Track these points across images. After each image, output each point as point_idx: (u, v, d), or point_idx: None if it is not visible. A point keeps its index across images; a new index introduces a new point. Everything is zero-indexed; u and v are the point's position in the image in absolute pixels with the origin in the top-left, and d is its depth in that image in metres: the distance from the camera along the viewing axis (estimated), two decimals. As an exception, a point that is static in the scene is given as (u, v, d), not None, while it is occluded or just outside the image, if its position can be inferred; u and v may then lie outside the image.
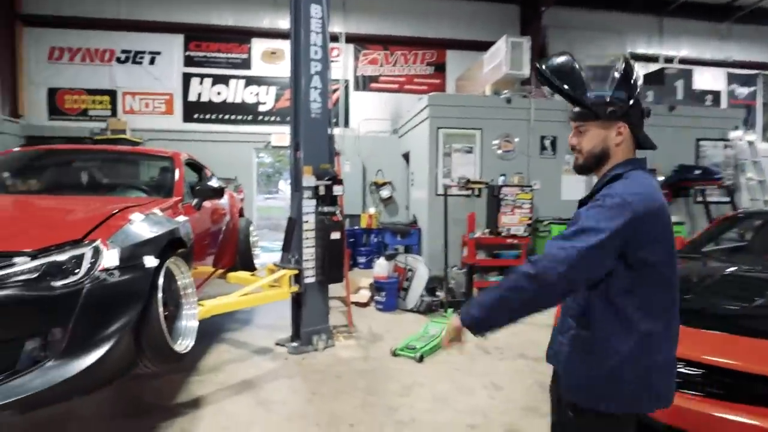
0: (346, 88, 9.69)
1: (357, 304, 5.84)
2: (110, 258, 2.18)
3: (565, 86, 1.39)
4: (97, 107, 9.18)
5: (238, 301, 3.75)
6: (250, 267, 5.33)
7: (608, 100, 1.36)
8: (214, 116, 9.46)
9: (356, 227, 9.06)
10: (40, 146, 4.13)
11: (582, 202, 1.41)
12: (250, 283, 4.66)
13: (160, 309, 2.39)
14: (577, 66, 1.40)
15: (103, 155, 3.92)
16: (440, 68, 9.88)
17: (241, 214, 5.63)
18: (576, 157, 1.46)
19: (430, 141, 6.87)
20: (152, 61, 9.29)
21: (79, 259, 2.10)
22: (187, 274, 2.90)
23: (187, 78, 9.37)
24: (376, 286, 5.82)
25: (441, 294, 5.97)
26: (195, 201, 3.64)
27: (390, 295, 5.76)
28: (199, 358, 4.00)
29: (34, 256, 2.01)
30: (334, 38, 9.42)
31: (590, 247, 1.22)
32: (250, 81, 9.52)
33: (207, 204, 4.04)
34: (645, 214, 1.25)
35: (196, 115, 9.43)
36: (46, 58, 9.07)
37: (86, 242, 2.16)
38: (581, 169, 1.47)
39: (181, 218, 3.18)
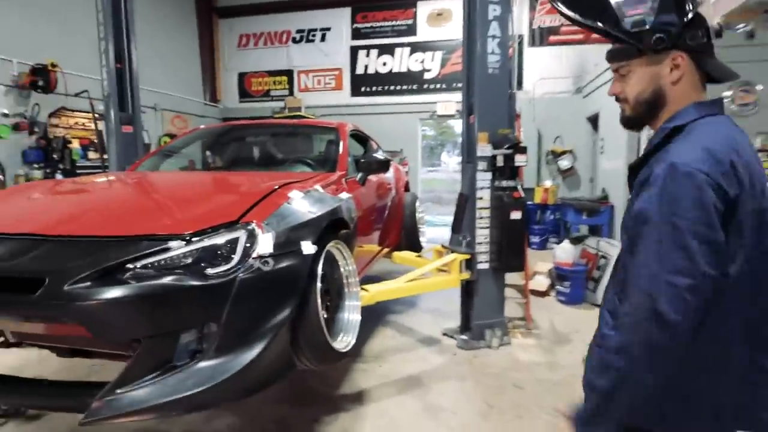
0: (520, 44, 8.58)
1: (534, 292, 5.05)
2: (265, 243, 1.89)
3: (587, 17, 1.07)
4: (277, 87, 9.84)
5: (405, 288, 3.36)
6: (416, 246, 4.95)
7: (651, 24, 1.00)
8: (379, 88, 9.34)
9: (529, 202, 8.09)
10: (216, 124, 4.29)
11: (632, 169, 1.09)
12: (416, 266, 4.27)
13: (319, 302, 2.07)
14: None
15: (270, 129, 3.87)
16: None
17: (406, 189, 5.27)
18: (622, 108, 1.15)
19: (631, 97, 5.52)
20: (323, 38, 9.52)
21: (234, 243, 1.85)
22: (350, 260, 2.56)
23: (354, 51, 9.39)
24: (559, 274, 4.94)
25: (642, 287, 4.82)
26: (359, 175, 3.30)
27: (576, 285, 4.83)
28: (363, 341, 3.77)
29: (188, 240, 1.81)
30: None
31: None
32: (416, 48, 9.10)
33: (372, 178, 3.71)
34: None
35: (363, 88, 9.43)
36: (236, 46, 10.00)
37: (241, 225, 1.90)
38: (630, 123, 1.15)
39: (345, 195, 2.85)
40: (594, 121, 7.77)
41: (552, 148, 8.41)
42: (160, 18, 8.66)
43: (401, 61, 9.23)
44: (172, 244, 1.79)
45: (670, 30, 1.01)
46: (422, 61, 9.13)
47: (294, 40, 9.67)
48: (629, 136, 5.59)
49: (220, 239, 1.85)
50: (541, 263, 5.63)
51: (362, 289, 3.22)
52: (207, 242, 1.83)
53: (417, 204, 5.06)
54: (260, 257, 1.87)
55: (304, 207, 2.20)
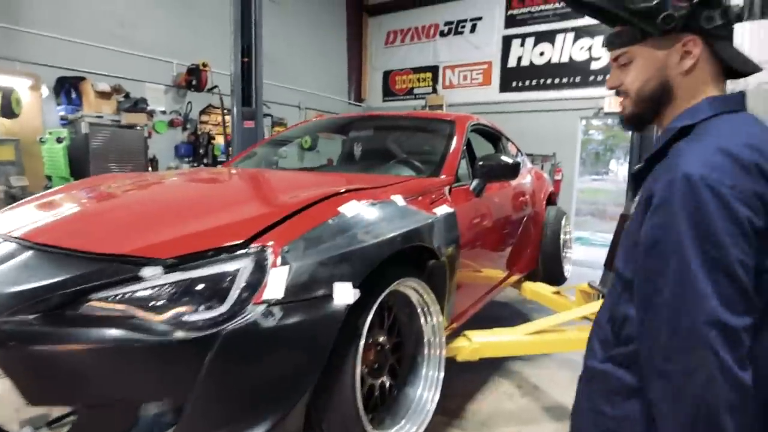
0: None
1: None
2: (276, 282, 1.23)
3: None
4: (421, 85, 9.32)
5: (524, 344, 2.44)
6: (557, 276, 3.88)
7: (659, 2, 0.84)
8: (534, 82, 8.14)
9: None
10: (323, 118, 3.82)
11: (636, 177, 0.94)
12: (551, 306, 3.26)
13: (358, 378, 1.35)
14: None
15: (374, 123, 3.22)
16: None
17: (551, 201, 4.19)
18: (621, 103, 0.96)
19: None
20: (473, 29, 8.68)
21: (232, 278, 1.24)
22: (434, 307, 1.79)
23: (507, 42, 8.35)
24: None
25: None
26: (475, 183, 2.47)
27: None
28: (468, 396, 2.91)
29: (168, 268, 1.24)
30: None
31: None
32: (581, 33, 7.67)
33: (496, 187, 2.84)
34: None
35: (514, 83, 8.34)
36: (383, 44, 9.77)
37: (249, 250, 1.28)
38: (631, 122, 0.97)
39: (443, 210, 2.07)
40: None
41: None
42: (310, 20, 8.82)
43: (562, 50, 7.88)
44: (145, 271, 1.24)
45: (682, 7, 0.84)
46: (589, 48, 7.65)
47: (441, 34, 9.03)
48: None
49: (210, 270, 1.25)
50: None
51: (463, 336, 2.41)
52: (191, 273, 1.24)
53: (563, 222, 3.96)
54: (266, 303, 1.22)
55: (360, 227, 1.49)
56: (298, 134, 3.67)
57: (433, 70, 9.15)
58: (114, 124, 5.09)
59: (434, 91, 9.05)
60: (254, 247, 1.29)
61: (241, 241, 1.30)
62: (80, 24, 5.38)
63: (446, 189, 2.23)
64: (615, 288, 0.92)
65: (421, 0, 9.07)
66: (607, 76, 1.02)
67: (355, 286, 1.34)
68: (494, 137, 3.48)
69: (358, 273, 1.36)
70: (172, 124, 6.24)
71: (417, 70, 9.34)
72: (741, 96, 0.90)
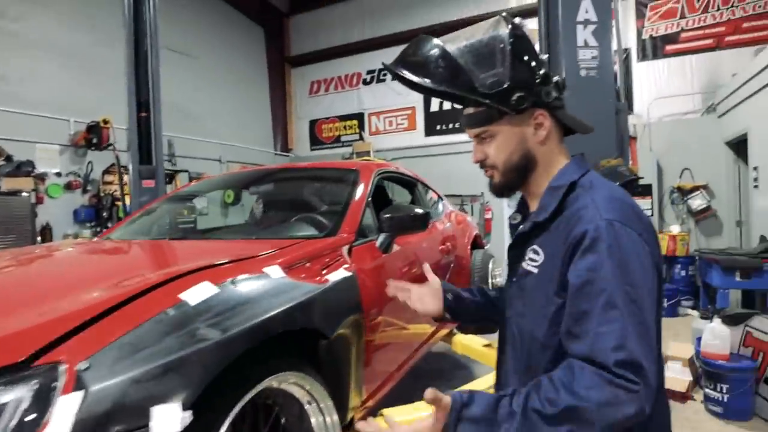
0: (626, 59, 7.05)
1: (668, 393, 3.44)
2: (63, 415, 0.87)
3: (440, 84, 0.97)
4: (348, 132, 9.26)
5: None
6: (489, 324, 3.66)
7: (509, 84, 0.94)
8: (456, 125, 8.28)
9: (650, 254, 6.33)
10: (220, 174, 3.49)
11: (519, 237, 1.05)
12: (483, 360, 3.02)
13: None
14: (448, 51, 0.97)
15: (274, 177, 2.94)
16: (794, -3, 6.14)
17: (477, 245, 4.04)
18: (489, 174, 1.04)
19: (806, 107, 3.84)
20: (411, 85, 8.79)
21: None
22: (326, 403, 1.46)
23: (428, 87, 8.51)
24: (708, 371, 3.29)
25: None
26: (381, 239, 2.22)
27: (739, 390, 3.15)
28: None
29: None
30: (605, -3, 6.99)
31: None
32: (496, 77, 7.96)
33: (410, 238, 2.61)
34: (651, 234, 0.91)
35: (438, 127, 8.46)
36: (307, 93, 9.69)
37: (30, 371, 0.92)
38: (501, 190, 1.05)
39: (339, 275, 1.79)
40: (737, 146, 5.91)
41: (678, 184, 6.59)
42: (230, 72, 8.61)
43: (480, 93, 8.13)
44: None
45: (529, 87, 0.96)
46: (504, 91, 7.94)
47: (365, 82, 9.10)
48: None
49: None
50: (676, 344, 3.97)
51: (379, 416, 2.07)
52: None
53: (491, 265, 3.80)
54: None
55: (205, 319, 1.16)
56: (197, 190, 3.30)
57: (359, 117, 9.13)
58: (-11, 191, 4.49)
59: (361, 138, 8.99)
60: (39, 367, 0.93)
61: (22, 359, 0.93)
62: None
63: (345, 249, 1.96)
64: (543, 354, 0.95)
65: (341, 50, 9.14)
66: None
67: (189, 404, 1.00)
68: (409, 184, 3.29)
69: (194, 385, 1.02)
70: (69, 186, 5.63)
71: (343, 117, 9.29)
72: (583, 155, 1.05)
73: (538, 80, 0.97)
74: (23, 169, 4.77)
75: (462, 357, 3.78)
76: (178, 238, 2.23)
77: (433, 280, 1.34)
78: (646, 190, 6.40)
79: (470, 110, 1.02)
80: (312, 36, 9.47)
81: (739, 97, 5.47)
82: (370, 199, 2.39)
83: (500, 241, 7.92)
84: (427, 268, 1.42)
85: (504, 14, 1.03)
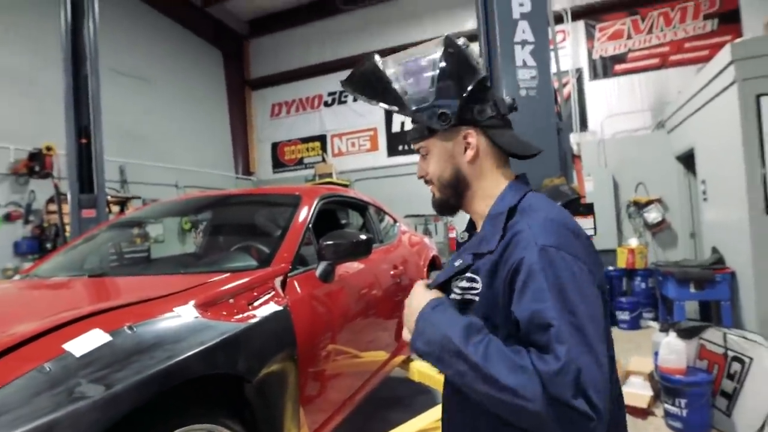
0: (579, 80, 7.26)
1: (629, 409, 3.41)
2: None
3: (374, 98, 1.05)
4: (311, 154, 9.17)
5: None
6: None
7: (433, 100, 0.98)
8: (418, 145, 8.32)
9: (611, 268, 6.42)
10: (162, 201, 3.33)
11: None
12: (439, 387, 2.91)
13: None
14: (381, 70, 1.03)
15: (216, 204, 2.80)
16: (729, 18, 6.47)
17: (435, 266, 3.97)
18: (430, 189, 1.09)
19: (744, 121, 3.97)
20: (356, 98, 8.81)
21: None
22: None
23: (389, 108, 8.55)
24: (666, 387, 3.28)
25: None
26: (320, 268, 2.11)
27: (697, 405, 3.15)
28: None
29: None
30: (557, 19, 7.20)
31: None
32: (456, 97, 8.07)
33: (358, 264, 2.52)
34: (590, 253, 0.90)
35: (400, 147, 8.47)
36: (269, 116, 9.59)
37: None
38: (442, 208, 1.08)
39: (268, 310, 1.67)
40: (686, 160, 6.11)
41: (633, 198, 6.75)
42: (188, 96, 8.44)
43: (441, 113, 8.22)
44: None
45: (458, 105, 0.97)
46: (464, 111, 8.05)
47: (326, 104, 9.07)
48: (749, 172, 3.97)
49: None
50: (637, 359, 3.97)
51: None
52: None
53: (449, 287, 3.73)
54: None
55: (89, 372, 1.03)
56: (134, 218, 3.12)
57: (321, 139, 9.07)
58: None
59: (323, 160, 8.92)
60: None
61: None
62: None
63: (278, 281, 1.84)
64: None
65: (302, 73, 9.11)
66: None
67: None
68: (359, 207, 3.21)
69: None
70: (9, 217, 5.31)
71: (305, 140, 9.21)
72: (524, 175, 1.06)
73: (466, 97, 0.97)
74: (-46, 200, 4.46)
75: (423, 384, 3.68)
76: (99, 274, 2.06)
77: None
78: (588, 209, 6.52)
79: (413, 125, 1.06)
80: (272, 58, 9.42)
81: (684, 113, 5.67)
82: (311, 225, 2.28)
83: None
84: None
85: (447, 34, 1.04)
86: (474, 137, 0.99)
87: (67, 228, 4.26)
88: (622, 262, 6.39)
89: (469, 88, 0.97)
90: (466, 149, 1.00)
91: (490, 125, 1.00)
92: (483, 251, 0.94)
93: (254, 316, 1.61)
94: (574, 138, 6.98)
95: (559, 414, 0.74)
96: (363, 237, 2.14)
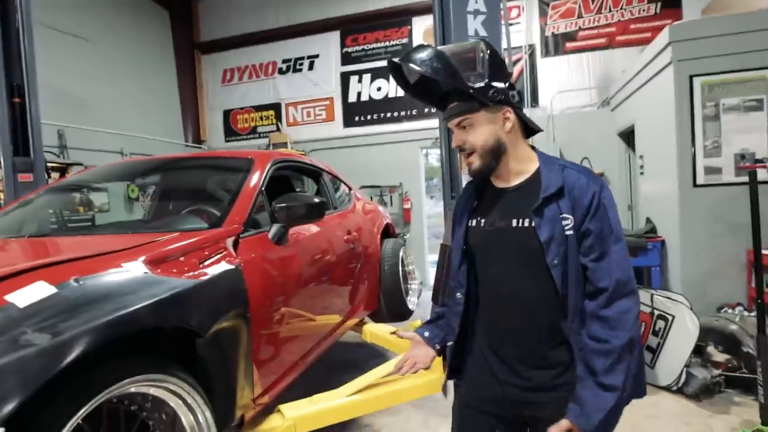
0: (531, 56, 7.43)
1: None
2: None
3: (444, 77, 1.23)
4: (265, 123, 8.95)
5: (349, 406, 2.12)
6: (401, 311, 3.71)
7: (487, 81, 1.24)
8: (375, 116, 8.30)
9: (555, 238, 6.76)
10: (109, 164, 3.19)
11: (539, 207, 1.26)
12: (391, 347, 3.04)
13: None
14: (443, 52, 1.26)
15: (165, 167, 2.73)
16: (671, 3, 6.78)
17: (388, 234, 4.06)
18: (470, 160, 1.31)
19: (678, 100, 4.24)
20: (311, 66, 8.63)
21: None
22: (202, 409, 1.37)
23: (345, 78, 8.44)
24: (600, 343, 3.57)
25: (718, 358, 3.47)
26: (273, 230, 2.14)
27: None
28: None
29: None
30: (512, -6, 7.30)
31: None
32: (413, 69, 8.05)
33: (312, 228, 2.55)
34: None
35: (357, 118, 8.42)
36: (220, 82, 9.23)
37: None
38: (482, 172, 1.31)
39: (219, 268, 1.69)
40: (627, 136, 6.46)
41: (579, 172, 7.07)
42: (133, 59, 7.96)
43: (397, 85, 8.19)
44: None
45: (502, 87, 1.25)
46: (421, 83, 8.05)
47: (280, 71, 8.81)
48: (680, 148, 4.27)
49: None
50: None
51: (276, 412, 2.02)
52: None
53: (402, 254, 3.84)
54: None
55: (35, 322, 1.03)
56: (78, 181, 2.99)
57: (276, 107, 8.85)
58: None
59: (278, 129, 8.73)
60: None
61: None
62: None
63: (230, 241, 1.85)
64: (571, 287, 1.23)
65: (256, 38, 8.79)
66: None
67: (3, 420, 0.87)
68: (313, 174, 3.22)
69: (9, 399, 0.90)
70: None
71: (258, 108, 8.96)
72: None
73: (507, 84, 1.26)
74: None
75: (378, 346, 3.80)
76: (41, 235, 1.99)
77: (411, 335, 1.51)
78: None
79: (455, 103, 1.27)
80: (224, 22, 9.01)
81: (627, 92, 5.97)
82: (263, 189, 2.29)
83: (418, 229, 8.10)
84: (400, 332, 1.63)
85: (482, 38, 1.47)
86: (511, 114, 1.27)
87: (1, 194, 4.00)
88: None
89: (511, 77, 1.24)
90: (504, 123, 1.26)
91: (518, 106, 1.29)
92: (551, 192, 1.22)
93: (205, 273, 1.62)
94: (537, 112, 7.21)
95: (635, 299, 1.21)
96: (316, 200, 2.18)
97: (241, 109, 9.07)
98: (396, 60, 1.30)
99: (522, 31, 7.38)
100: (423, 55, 1.25)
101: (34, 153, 3.74)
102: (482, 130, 1.26)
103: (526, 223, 1.25)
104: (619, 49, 7.00)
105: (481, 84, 1.23)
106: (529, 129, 1.35)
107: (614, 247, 1.19)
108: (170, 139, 8.46)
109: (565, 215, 1.21)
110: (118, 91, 7.60)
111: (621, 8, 6.97)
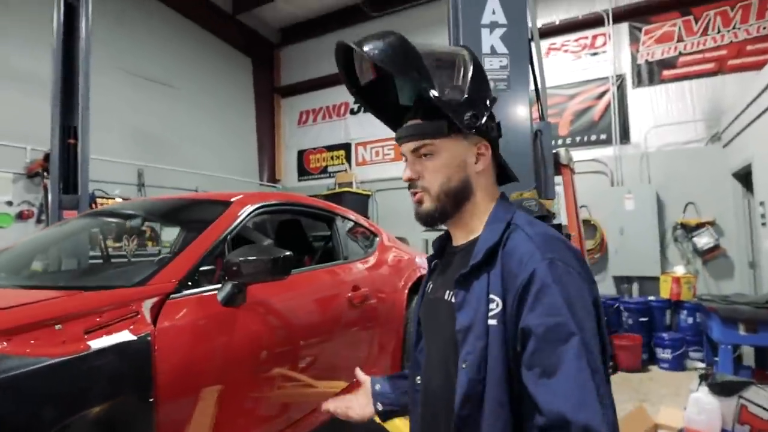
0: (620, 87, 6.56)
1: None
2: None
3: (396, 69, 0.91)
4: (335, 163, 8.95)
5: None
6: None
7: (466, 98, 0.92)
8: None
9: (651, 298, 5.67)
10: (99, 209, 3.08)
11: (460, 280, 0.92)
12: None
13: None
14: (412, 44, 0.92)
15: (142, 211, 2.51)
16: (801, 18, 5.58)
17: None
18: (417, 198, 0.98)
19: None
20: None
21: None
22: None
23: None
24: (693, 455, 2.65)
25: None
26: (225, 289, 1.76)
27: (732, 482, 2.51)
28: None
29: None
30: (596, 22, 6.58)
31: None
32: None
33: (294, 283, 2.16)
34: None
35: (425, 157, 8.04)
36: (296, 123, 9.49)
37: None
38: (430, 217, 0.97)
39: (109, 341, 1.35)
40: (744, 177, 5.28)
41: (681, 220, 5.95)
42: (213, 102, 8.47)
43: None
44: None
45: (482, 110, 0.93)
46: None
47: (352, 112, 8.83)
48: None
49: None
50: (668, 409, 3.32)
51: None
52: None
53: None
54: None
55: None
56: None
57: (346, 147, 8.83)
58: None
59: (347, 169, 8.67)
60: None
61: None
62: None
63: (147, 303, 1.51)
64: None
65: (330, 80, 8.94)
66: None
67: None
68: (324, 218, 2.85)
69: None
70: (21, 216, 5.41)
71: (330, 148, 9.01)
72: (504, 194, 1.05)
73: (487, 110, 0.95)
74: (-42, 198, 4.55)
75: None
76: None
77: (364, 379, 1.24)
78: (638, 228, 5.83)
79: (416, 120, 0.96)
80: (302, 66, 9.33)
81: (742, 123, 4.90)
82: (229, 237, 1.95)
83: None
84: (357, 371, 1.29)
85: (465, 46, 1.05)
86: (488, 150, 0.98)
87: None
88: (665, 292, 5.62)
89: (492, 100, 0.98)
90: (477, 159, 0.97)
91: (496, 143, 0.99)
92: (479, 259, 0.89)
93: (85, 347, 1.28)
94: (611, 161, 6.28)
95: None
96: (281, 254, 1.78)
97: (314, 149, 9.19)
98: (345, 43, 0.97)
99: (608, 61, 6.55)
100: (383, 41, 0.92)
101: (81, 190, 3.87)
102: (446, 164, 0.94)
103: (453, 298, 0.94)
104: (731, 74, 5.87)
105: (458, 100, 0.92)
106: (502, 174, 1.04)
107: (566, 356, 0.77)
108: (246, 178, 8.77)
109: (492, 296, 0.86)
110: (197, 132, 8.07)
111: (734, 28, 5.89)
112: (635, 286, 6.12)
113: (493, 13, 1.86)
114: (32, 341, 1.21)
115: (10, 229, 5.32)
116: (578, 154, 6.61)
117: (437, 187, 0.95)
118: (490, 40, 1.86)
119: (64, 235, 2.63)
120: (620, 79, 6.51)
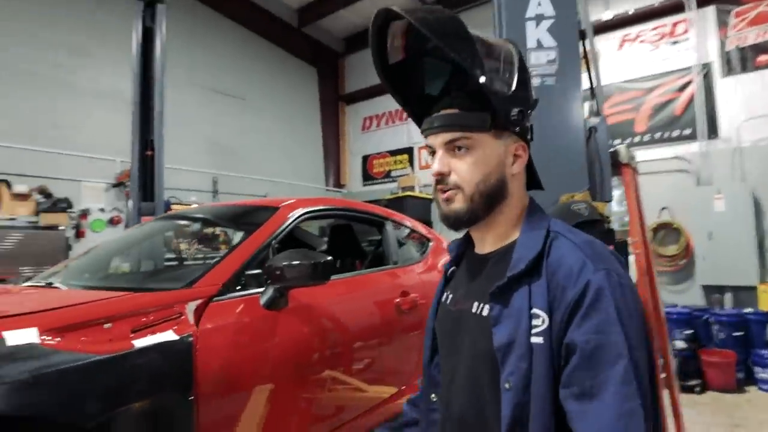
0: (706, 76, 5.95)
1: None
2: None
3: (458, 55, 0.81)
4: (398, 167, 8.97)
5: None
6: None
7: (513, 93, 0.85)
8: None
9: (749, 310, 5.08)
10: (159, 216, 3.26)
11: (496, 293, 0.84)
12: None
13: None
14: (468, 30, 0.83)
15: (197, 219, 2.64)
16: None
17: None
18: (447, 195, 0.88)
19: None
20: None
21: None
22: None
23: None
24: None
25: None
26: (267, 293, 1.80)
27: None
28: None
29: None
30: (676, 8, 6.04)
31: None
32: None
33: (337, 289, 2.17)
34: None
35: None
36: (360, 129, 9.64)
37: None
38: (461, 220, 0.89)
39: (152, 340, 1.42)
40: None
41: (783, 223, 5.27)
42: (280, 111, 8.84)
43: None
44: None
45: (527, 108, 0.87)
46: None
47: (414, 115, 8.82)
48: None
49: None
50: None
51: None
52: None
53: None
54: None
55: None
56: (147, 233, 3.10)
57: (409, 151, 8.83)
58: (30, 226, 4.87)
59: (412, 172, 8.66)
60: None
61: None
62: (4, 126, 5.36)
63: (190, 305, 1.58)
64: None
65: (393, 85, 9.02)
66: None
67: None
68: (374, 223, 2.84)
69: None
70: (112, 221, 5.98)
71: (393, 152, 9.06)
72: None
73: (532, 109, 0.91)
74: (59, 205, 5.12)
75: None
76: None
77: None
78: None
79: (453, 110, 0.87)
80: (364, 73, 9.47)
81: None
82: (274, 242, 2.00)
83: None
84: None
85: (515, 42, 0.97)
86: (525, 153, 0.91)
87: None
88: (765, 304, 5.00)
89: (535, 100, 0.93)
90: (514, 161, 0.90)
91: (529, 148, 0.93)
92: (520, 269, 0.81)
93: (130, 345, 1.36)
94: (697, 159, 5.71)
95: None
96: (321, 259, 1.79)
97: (378, 154, 9.29)
98: (390, 9, 0.87)
99: (691, 49, 5.98)
100: (435, 14, 0.84)
101: (156, 198, 4.18)
102: (484, 161, 0.86)
103: (485, 311, 0.86)
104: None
105: (505, 93, 0.85)
106: (531, 181, 0.96)
107: (611, 380, 0.70)
108: (313, 184, 9.06)
109: (536, 311, 0.79)
110: (267, 140, 8.46)
111: None
112: (728, 297, 5.51)
113: (539, 4, 1.75)
114: (82, 338, 1.30)
115: (103, 234, 5.88)
116: (658, 152, 6.09)
117: (473, 186, 0.86)
118: (536, 33, 1.74)
119: (136, 240, 2.84)
120: (706, 68, 5.91)
